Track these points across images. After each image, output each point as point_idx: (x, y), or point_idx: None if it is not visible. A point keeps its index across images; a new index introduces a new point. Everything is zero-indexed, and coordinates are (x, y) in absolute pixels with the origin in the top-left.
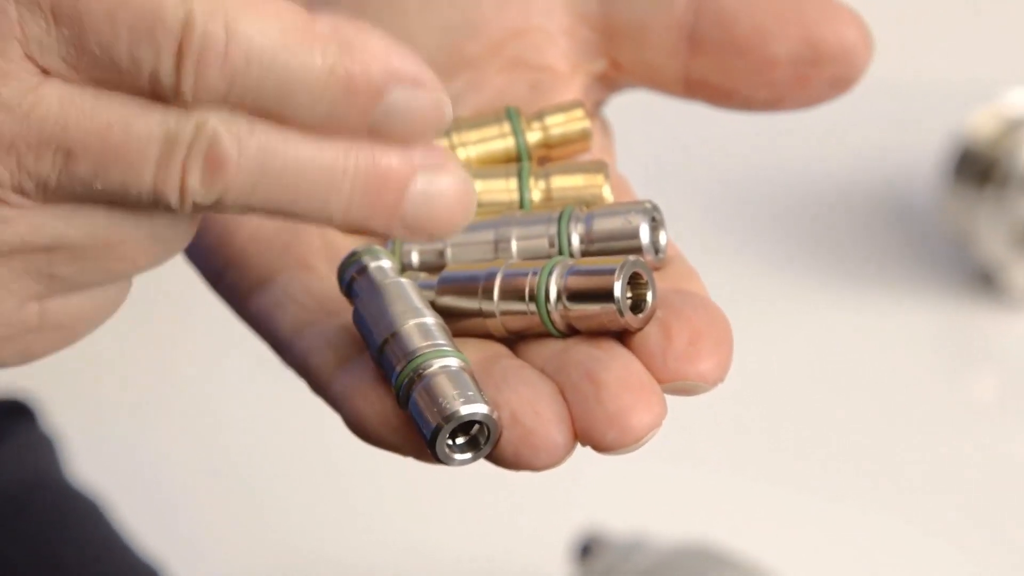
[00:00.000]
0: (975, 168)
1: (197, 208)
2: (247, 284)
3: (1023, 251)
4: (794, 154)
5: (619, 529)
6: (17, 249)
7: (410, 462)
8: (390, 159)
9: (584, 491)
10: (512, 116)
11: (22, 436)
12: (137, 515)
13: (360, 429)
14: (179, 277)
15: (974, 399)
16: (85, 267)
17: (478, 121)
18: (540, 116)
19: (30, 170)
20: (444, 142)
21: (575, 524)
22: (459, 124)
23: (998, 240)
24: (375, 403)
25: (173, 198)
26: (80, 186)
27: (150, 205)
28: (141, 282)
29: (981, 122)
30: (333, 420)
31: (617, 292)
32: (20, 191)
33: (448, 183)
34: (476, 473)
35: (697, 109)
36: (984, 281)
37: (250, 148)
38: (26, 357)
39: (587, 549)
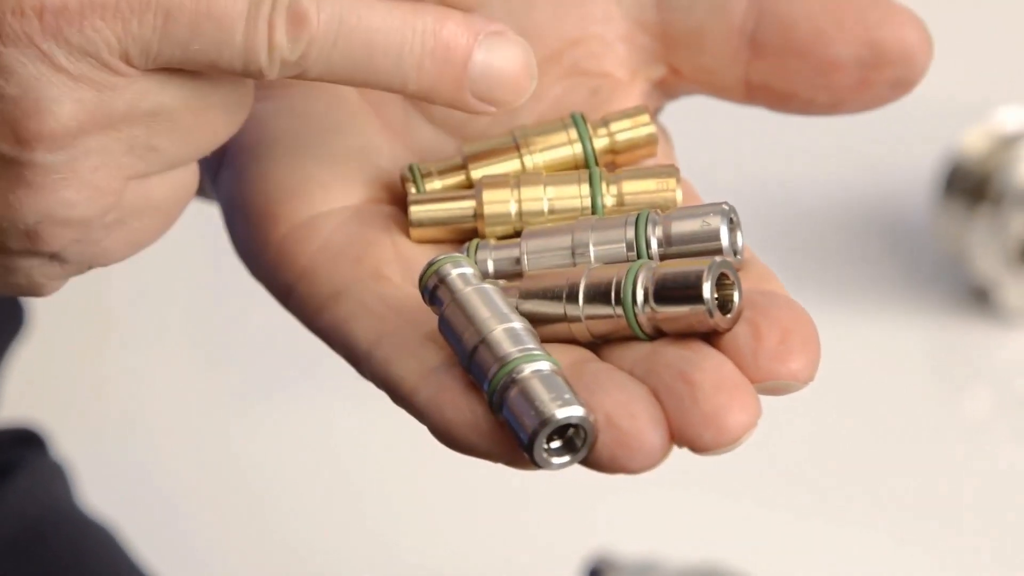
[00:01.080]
0: (968, 186)
1: (285, 67)
2: (319, 297)
3: (1016, 268)
4: (788, 172)
5: (629, 552)
6: (123, 118)
7: (415, 485)
8: (454, 22)
9: (595, 514)
10: (578, 122)
11: (35, 465)
12: (147, 541)
13: (449, 437)
14: (183, 304)
15: (968, 416)
16: (178, 138)
17: (544, 128)
18: (606, 122)
19: (134, 34)
20: (511, 150)
21: (585, 548)
22: (524, 131)
23: (991, 257)
24: (465, 410)
25: (263, 55)
26: (178, 49)
27: (242, 67)
28: (142, 310)
29: (973, 140)
30: (344, 442)
31: (707, 293)
32: (126, 58)
33: (510, 50)
34: (485, 496)
35: (690, 126)
36: (978, 298)
37: (327, 4)
38: (133, 245)
39: (597, 572)
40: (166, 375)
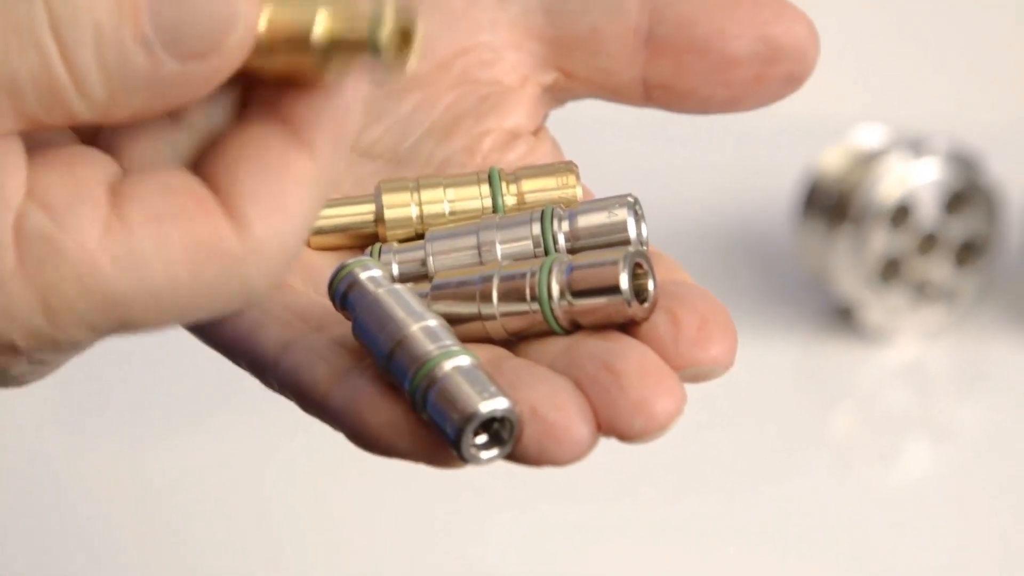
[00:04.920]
0: (828, 205)
1: None
2: None
3: (878, 286)
4: (649, 192)
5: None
6: None
7: (389, 525)
8: None
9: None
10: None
11: None
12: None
13: (369, 440)
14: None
15: (833, 433)
16: None
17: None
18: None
19: None
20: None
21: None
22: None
23: (853, 276)
24: (383, 411)
25: None
26: None
27: None
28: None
29: (831, 159)
30: (316, 465)
31: (624, 283)
32: None
33: None
34: (464, 524)
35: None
36: (841, 317)
37: None
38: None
39: None
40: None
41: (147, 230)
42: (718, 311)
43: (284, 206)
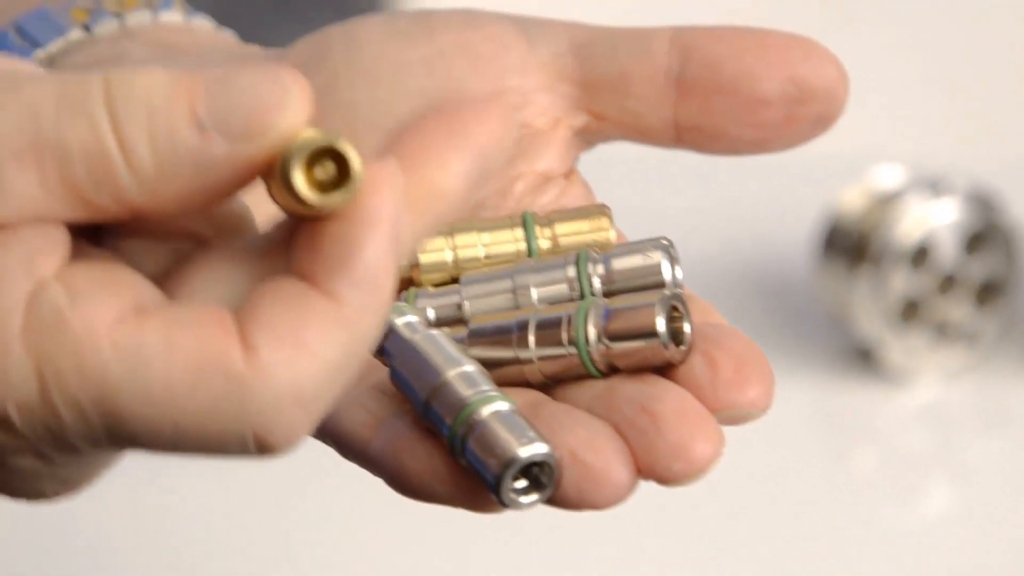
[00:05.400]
0: (847, 246)
1: None
2: None
3: (898, 327)
4: (669, 235)
5: None
6: None
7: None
8: None
9: None
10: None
11: None
12: None
13: (408, 486)
14: None
15: (855, 475)
16: None
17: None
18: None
19: None
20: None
21: None
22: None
23: (873, 316)
24: (422, 457)
25: None
26: None
27: None
28: None
29: (850, 200)
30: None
31: (660, 326)
32: None
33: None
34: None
35: None
36: (862, 357)
37: None
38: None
39: None
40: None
41: (157, 330)
42: (754, 353)
43: (298, 339)
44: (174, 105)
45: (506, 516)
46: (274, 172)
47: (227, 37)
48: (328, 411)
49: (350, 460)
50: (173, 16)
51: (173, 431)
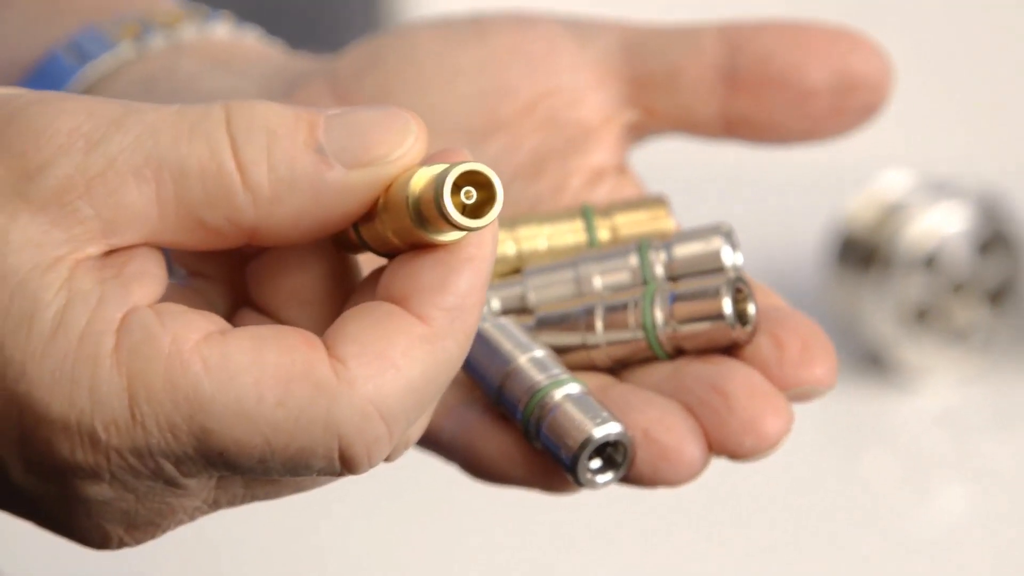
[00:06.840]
0: (857, 252)
1: None
2: None
3: (910, 332)
4: None
5: None
6: None
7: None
8: None
9: None
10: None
11: None
12: None
13: (483, 470)
14: None
15: (869, 480)
16: None
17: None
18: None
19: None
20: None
21: None
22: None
23: (884, 322)
24: (496, 441)
25: None
26: None
27: None
28: None
29: (860, 206)
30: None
31: (727, 308)
32: None
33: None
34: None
35: None
36: (873, 363)
37: None
38: None
39: None
40: None
41: (245, 347)
42: (817, 334)
43: (385, 354)
44: (294, 130)
45: (513, 520)
46: (392, 203)
47: (275, 48)
48: (409, 432)
49: (422, 447)
50: (222, 29)
51: (262, 443)
